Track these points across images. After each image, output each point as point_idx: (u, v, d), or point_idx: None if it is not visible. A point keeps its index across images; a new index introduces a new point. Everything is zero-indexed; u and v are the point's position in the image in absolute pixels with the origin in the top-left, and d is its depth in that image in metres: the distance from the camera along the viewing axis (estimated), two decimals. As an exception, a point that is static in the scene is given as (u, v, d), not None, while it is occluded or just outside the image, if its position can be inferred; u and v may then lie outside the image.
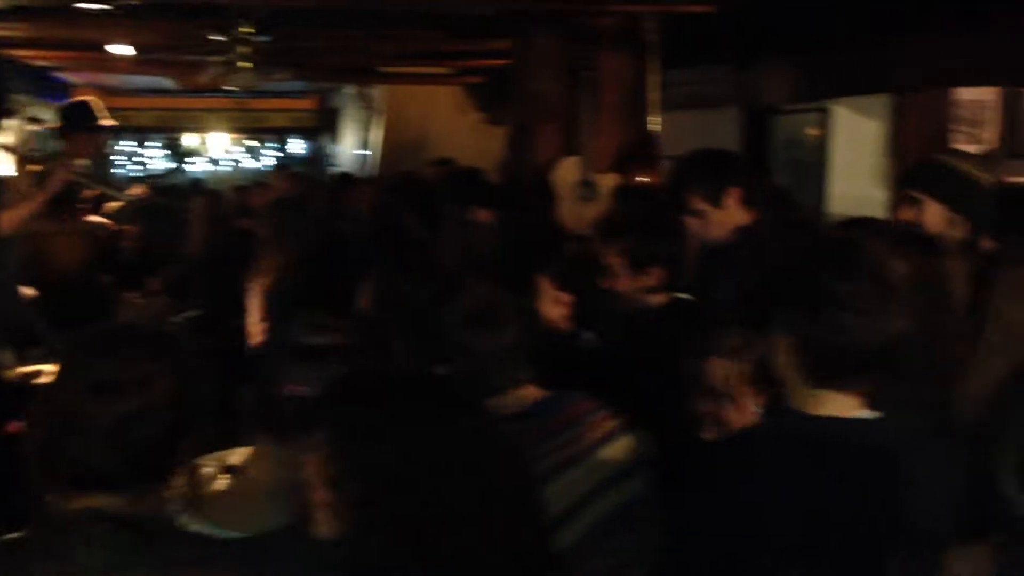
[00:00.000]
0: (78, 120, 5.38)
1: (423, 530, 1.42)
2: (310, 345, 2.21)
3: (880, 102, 4.74)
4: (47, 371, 4.31)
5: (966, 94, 4.96)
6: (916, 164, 3.62)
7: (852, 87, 4.51)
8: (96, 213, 5.46)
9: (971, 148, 4.82)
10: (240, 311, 5.14)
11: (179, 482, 1.68)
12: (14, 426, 3.73)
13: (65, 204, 5.06)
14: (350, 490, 1.49)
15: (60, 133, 5.39)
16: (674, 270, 2.82)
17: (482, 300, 2.03)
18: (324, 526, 1.49)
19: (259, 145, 15.21)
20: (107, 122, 5.61)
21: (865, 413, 1.71)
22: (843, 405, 1.68)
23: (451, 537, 1.40)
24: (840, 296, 1.63)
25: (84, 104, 5.51)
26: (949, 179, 3.02)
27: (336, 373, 2.19)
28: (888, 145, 4.73)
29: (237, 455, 2.64)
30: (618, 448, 2.08)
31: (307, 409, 2.12)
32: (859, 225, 3.44)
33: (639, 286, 2.79)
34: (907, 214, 3.07)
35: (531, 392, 2.05)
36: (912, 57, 4.08)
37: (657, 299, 2.79)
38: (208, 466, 2.62)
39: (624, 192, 4.89)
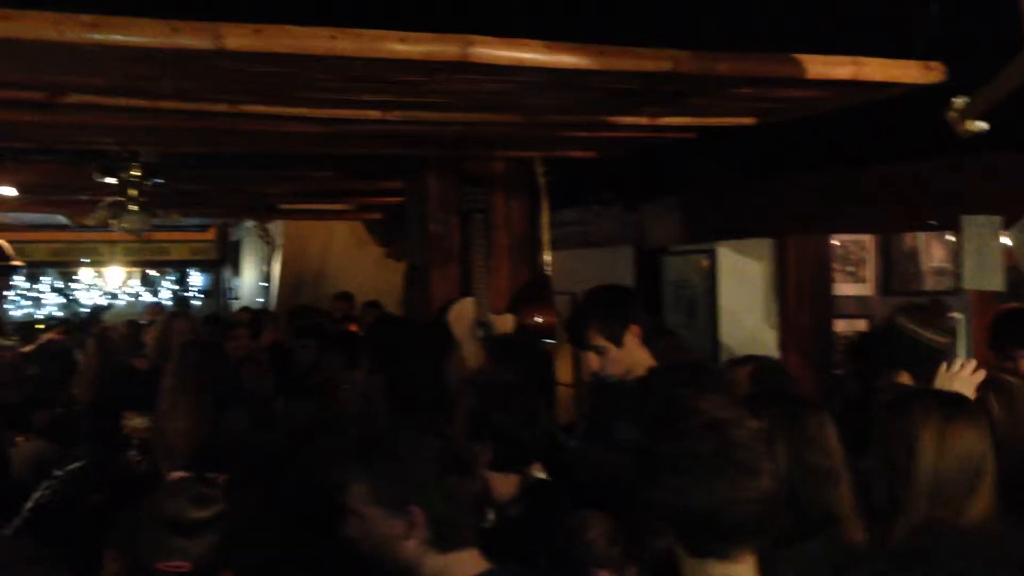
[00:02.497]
0: None
1: None
2: (190, 519, 2.10)
3: (764, 243, 4.89)
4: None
5: (846, 235, 5.17)
6: None
7: (734, 231, 4.65)
8: None
9: (851, 287, 4.98)
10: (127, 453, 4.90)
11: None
12: None
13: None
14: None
15: None
16: (514, 445, 2.67)
17: (451, 447, 1.95)
18: None
19: (159, 277, 14.92)
20: (16, 262, 5.46)
21: None
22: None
23: None
24: (670, 459, 1.60)
25: None
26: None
27: (213, 546, 2.09)
28: (773, 285, 4.86)
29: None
30: None
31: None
32: (749, 363, 3.48)
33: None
34: None
35: (474, 558, 1.94)
36: (791, 203, 4.23)
37: (508, 488, 2.68)
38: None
39: (492, 341, 4.89)
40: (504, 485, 2.65)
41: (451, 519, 1.90)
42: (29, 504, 4.56)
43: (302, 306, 8.06)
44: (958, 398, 2.34)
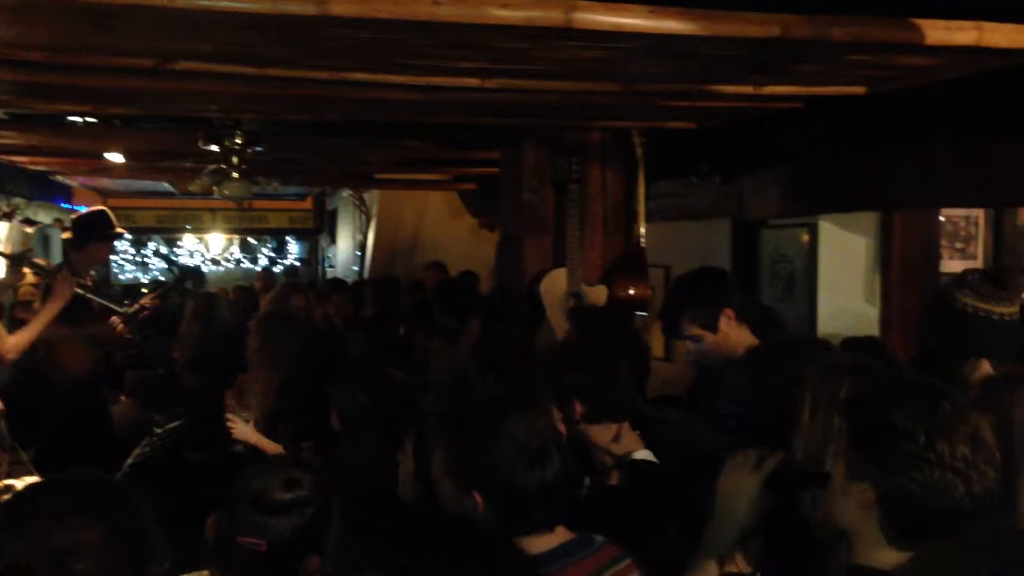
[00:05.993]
0: (95, 230, 5.42)
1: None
2: (273, 499, 2.12)
3: (869, 217, 4.73)
4: (16, 487, 4.21)
5: (954, 210, 4.97)
6: None
7: (839, 204, 4.50)
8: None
9: (959, 264, 4.79)
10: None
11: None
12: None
13: (72, 311, 5.07)
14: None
15: (75, 243, 5.42)
16: (603, 403, 2.66)
17: (534, 431, 1.94)
18: None
19: (258, 245, 15.30)
20: (120, 230, 5.66)
21: None
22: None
23: None
24: (944, 458, 1.57)
25: (101, 214, 5.57)
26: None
27: (296, 528, 2.09)
28: (877, 261, 4.70)
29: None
30: None
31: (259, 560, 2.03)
32: (859, 346, 3.33)
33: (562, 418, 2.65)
34: None
35: (560, 533, 1.97)
36: (901, 176, 4.06)
37: (607, 436, 2.66)
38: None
39: (578, 312, 4.85)
40: (603, 434, 2.66)
41: (515, 509, 1.89)
42: (129, 460, 4.75)
43: (387, 278, 8.18)
44: None
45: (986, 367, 2.81)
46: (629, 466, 2.62)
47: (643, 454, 2.66)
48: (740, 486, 1.86)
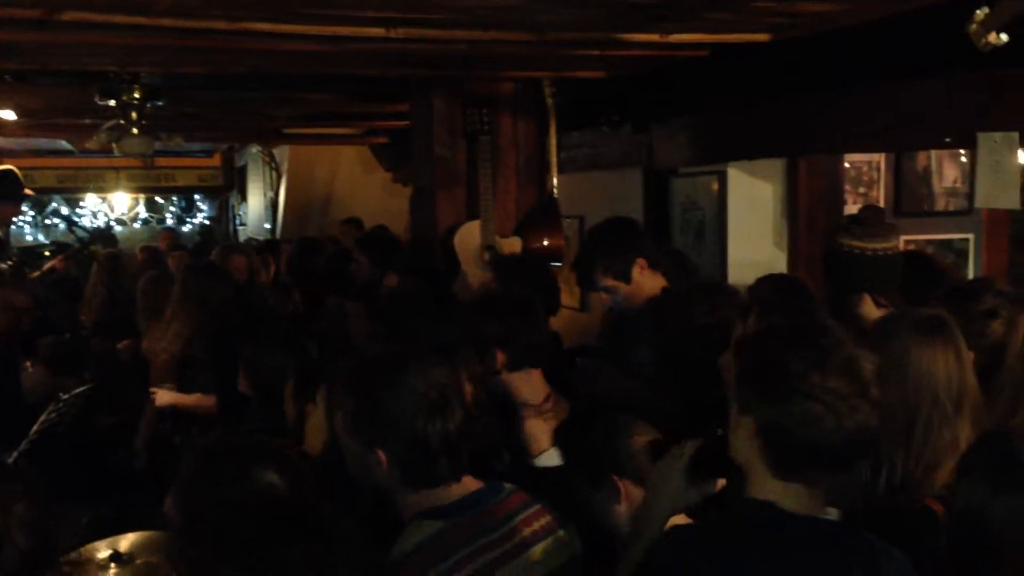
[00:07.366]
0: (1, 190, 5.24)
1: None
2: None
3: (775, 164, 4.82)
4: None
5: (857, 156, 5.08)
6: None
7: (745, 152, 4.57)
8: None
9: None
10: (141, 379, 4.93)
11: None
12: None
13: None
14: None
15: None
16: (522, 348, 2.67)
17: (432, 383, 1.91)
18: None
19: (165, 204, 14.89)
20: (27, 191, 5.47)
21: (831, 512, 1.70)
22: (805, 499, 1.66)
23: None
24: (815, 389, 1.60)
25: (8, 172, 5.36)
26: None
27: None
28: (783, 206, 4.80)
29: (126, 541, 2.49)
30: (551, 545, 2.01)
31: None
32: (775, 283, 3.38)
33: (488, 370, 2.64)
34: None
35: (468, 483, 1.97)
36: (804, 122, 4.14)
37: (531, 390, 2.67)
38: (96, 554, 2.47)
39: (498, 261, 4.86)
40: (526, 386, 2.64)
41: (418, 463, 1.89)
42: (35, 428, 4.62)
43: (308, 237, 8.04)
44: (937, 318, 2.25)
45: (868, 302, 2.95)
46: (528, 471, 2.57)
47: (549, 456, 2.60)
48: (664, 476, 1.89)
